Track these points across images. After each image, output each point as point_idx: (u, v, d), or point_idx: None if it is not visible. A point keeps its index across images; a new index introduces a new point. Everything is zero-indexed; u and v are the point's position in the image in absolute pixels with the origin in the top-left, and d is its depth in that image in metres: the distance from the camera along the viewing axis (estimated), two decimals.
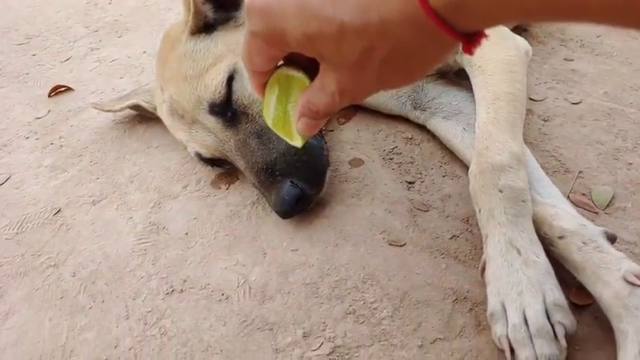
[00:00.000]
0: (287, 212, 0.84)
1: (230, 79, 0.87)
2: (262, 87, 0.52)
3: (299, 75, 0.48)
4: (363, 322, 0.73)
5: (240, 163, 0.89)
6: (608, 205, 0.86)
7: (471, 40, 0.36)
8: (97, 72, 1.36)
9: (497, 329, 0.67)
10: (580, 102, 1.08)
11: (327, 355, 0.70)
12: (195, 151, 0.94)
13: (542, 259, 0.70)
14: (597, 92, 1.11)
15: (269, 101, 0.53)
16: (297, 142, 0.53)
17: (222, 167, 0.99)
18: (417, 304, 0.74)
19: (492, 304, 0.69)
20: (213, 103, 0.87)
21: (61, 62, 1.42)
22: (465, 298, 0.75)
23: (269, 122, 0.54)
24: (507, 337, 0.66)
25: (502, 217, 0.74)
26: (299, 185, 0.83)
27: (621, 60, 1.20)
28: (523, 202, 0.75)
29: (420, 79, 0.42)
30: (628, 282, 0.64)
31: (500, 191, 0.76)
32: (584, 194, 0.87)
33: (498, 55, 0.92)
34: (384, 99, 1.06)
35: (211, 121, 0.88)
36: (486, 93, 0.87)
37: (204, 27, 0.92)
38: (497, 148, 0.79)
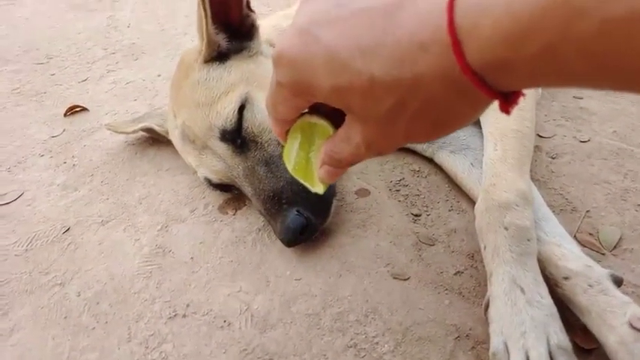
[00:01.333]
0: (292, 241, 0.84)
1: (241, 108, 0.89)
2: (285, 134, 0.52)
3: (323, 123, 0.48)
4: (364, 357, 0.72)
5: (248, 190, 0.90)
6: (615, 247, 0.85)
7: (509, 99, 0.35)
8: (111, 93, 1.39)
9: None
10: (589, 140, 1.09)
11: None
12: (204, 176, 0.95)
13: (547, 300, 0.69)
14: (606, 131, 1.11)
15: (291, 147, 0.52)
16: (319, 189, 0.52)
17: (230, 192, 1.00)
18: (419, 340, 0.74)
19: (495, 343, 0.68)
20: (224, 130, 0.88)
21: (78, 82, 1.45)
22: (467, 335, 0.74)
23: (289, 168, 0.53)
24: None
25: (507, 254, 0.73)
26: (304, 214, 0.83)
27: (631, 100, 1.21)
28: (528, 240, 0.74)
29: (448, 134, 0.40)
30: (634, 327, 0.64)
31: (506, 229, 0.75)
32: (591, 234, 0.87)
33: None
34: None
35: (221, 148, 0.90)
36: (494, 130, 0.88)
37: (217, 56, 0.94)
38: (504, 186, 0.79)
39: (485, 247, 0.78)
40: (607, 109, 1.18)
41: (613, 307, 0.67)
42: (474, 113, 0.38)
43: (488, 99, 0.35)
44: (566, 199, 0.94)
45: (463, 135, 1.00)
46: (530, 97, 0.94)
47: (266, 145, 0.90)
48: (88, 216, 1.01)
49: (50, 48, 1.69)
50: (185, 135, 0.94)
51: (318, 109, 0.49)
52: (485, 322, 0.72)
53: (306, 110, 0.49)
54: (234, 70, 0.93)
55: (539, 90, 1.02)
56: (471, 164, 0.95)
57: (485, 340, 0.72)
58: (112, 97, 1.35)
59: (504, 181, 0.80)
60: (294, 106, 0.45)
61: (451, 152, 0.99)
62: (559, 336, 0.65)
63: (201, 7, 0.87)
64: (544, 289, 0.70)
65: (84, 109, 1.32)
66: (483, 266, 0.82)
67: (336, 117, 0.46)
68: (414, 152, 1.07)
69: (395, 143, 0.42)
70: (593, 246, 0.85)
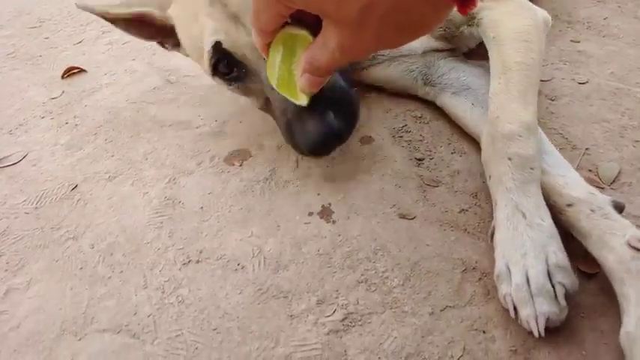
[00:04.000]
0: (322, 147, 0.79)
1: None
2: (267, 47, 0.53)
3: (303, 33, 0.50)
4: (374, 291, 0.75)
5: (265, 78, 0.81)
6: (614, 181, 0.88)
7: (465, 1, 0.38)
8: (109, 54, 1.37)
9: (503, 289, 0.70)
10: (587, 82, 1.10)
11: (341, 321, 0.72)
12: (216, 40, 0.85)
13: (547, 222, 0.72)
14: (604, 73, 1.12)
15: (274, 61, 0.54)
16: (302, 101, 0.54)
17: (230, 76, 0.90)
18: (427, 274, 0.76)
19: (499, 265, 0.72)
20: None
21: (74, 45, 1.44)
22: (474, 268, 0.77)
23: (273, 82, 0.55)
24: (511, 296, 0.69)
25: (509, 183, 0.76)
26: (335, 120, 0.76)
27: (628, 42, 1.22)
28: (531, 169, 0.77)
29: (414, 39, 0.43)
30: (632, 247, 0.66)
31: (510, 159, 0.78)
32: (590, 170, 0.89)
33: (513, 24, 0.92)
34: (398, 74, 1.08)
35: None
36: (499, 63, 0.88)
37: None
38: (508, 118, 0.81)
39: (490, 177, 0.81)
40: (604, 52, 1.19)
41: (613, 229, 0.69)
42: (437, 16, 0.42)
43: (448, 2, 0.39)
44: (566, 138, 0.96)
45: (464, 76, 1.01)
46: (537, 29, 0.93)
47: None
48: (95, 173, 1.02)
49: (41, 12, 1.67)
50: None
51: (299, 21, 0.50)
52: (491, 256, 0.75)
53: (288, 23, 0.51)
54: None
55: (549, 23, 1.00)
56: (472, 104, 0.96)
57: (491, 272, 0.74)
58: (110, 58, 1.35)
59: (507, 112, 0.81)
60: (275, 13, 0.47)
61: (452, 94, 1.00)
62: (557, 255, 0.68)
63: None
64: (545, 213, 0.73)
65: (82, 71, 1.32)
66: (486, 204, 0.85)
67: (316, 29, 0.47)
68: (415, 99, 1.08)
69: (367, 46, 0.45)
70: (593, 181, 0.87)
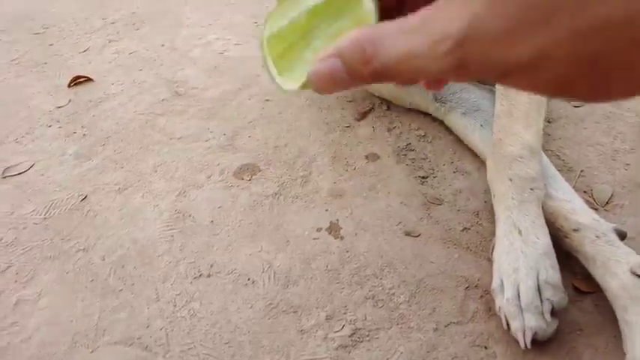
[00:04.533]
0: None
1: None
2: None
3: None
4: (382, 307, 0.78)
5: None
6: (607, 202, 0.92)
7: None
8: (116, 63, 1.39)
9: (497, 302, 0.74)
10: (581, 105, 1.14)
11: (349, 336, 0.75)
12: None
13: (543, 240, 0.76)
14: None
15: (291, 3, 0.32)
16: (292, 85, 0.31)
17: None
18: (432, 291, 0.80)
19: (495, 279, 0.76)
20: None
21: (79, 53, 1.45)
22: (476, 285, 0.80)
23: (267, 31, 0.32)
24: (503, 308, 0.73)
25: (509, 202, 0.81)
26: None
27: None
28: (531, 189, 0.81)
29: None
30: (635, 274, 0.70)
31: (510, 179, 0.82)
32: (585, 192, 0.93)
33: None
34: (410, 87, 1.10)
35: None
36: (502, 85, 0.92)
37: None
38: (510, 140, 0.85)
39: (494, 196, 0.86)
40: None
41: (617, 256, 0.73)
42: None
43: None
44: (562, 160, 1.00)
45: (474, 97, 1.04)
46: None
47: None
48: (105, 184, 1.04)
49: (45, 18, 1.67)
50: None
51: None
52: (491, 273, 0.79)
53: None
54: None
55: None
56: (481, 125, 1.00)
57: None
58: (117, 67, 1.36)
59: (510, 135, 0.85)
60: None
61: (462, 114, 1.04)
62: (548, 272, 0.72)
63: None
64: (542, 232, 0.77)
65: (89, 80, 1.33)
66: (488, 223, 0.88)
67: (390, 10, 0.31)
68: (419, 118, 1.11)
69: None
70: (587, 202, 0.91)
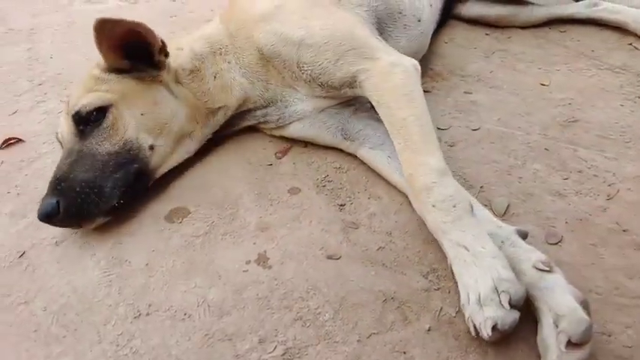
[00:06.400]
0: (40, 218, 1.00)
1: (102, 109, 1.06)
2: None
3: None
4: (309, 326, 0.86)
5: (61, 156, 1.09)
6: (505, 213, 1.05)
7: None
8: (45, 123, 1.43)
9: (466, 314, 0.82)
10: (479, 128, 1.29)
11: (281, 355, 0.82)
12: (57, 132, 1.15)
13: (488, 247, 0.84)
14: (492, 119, 1.32)
15: None
16: None
17: None
18: (353, 306, 0.89)
19: (462, 295, 0.84)
20: (77, 112, 1.06)
21: (9, 115, 1.48)
22: (392, 298, 0.90)
23: None
24: (470, 317, 0.80)
25: (443, 226, 0.89)
26: (60, 207, 1.00)
27: (510, 91, 1.44)
28: (454, 207, 0.88)
29: None
30: (538, 269, 0.82)
31: (434, 206, 0.90)
32: (485, 205, 1.05)
33: (390, 83, 1.01)
34: (315, 131, 1.21)
35: (69, 124, 1.08)
36: (390, 125, 0.99)
37: (118, 69, 1.10)
38: (419, 172, 0.92)
39: (428, 225, 0.94)
40: (492, 101, 1.40)
41: (521, 256, 0.85)
42: None
43: None
44: (464, 178, 1.13)
45: (378, 132, 1.15)
46: (410, 78, 1.02)
47: (97, 146, 1.06)
48: (42, 239, 1.08)
49: None
50: (66, 103, 1.12)
51: None
52: (407, 286, 0.91)
53: None
54: (123, 82, 1.10)
55: (418, 66, 1.09)
56: (389, 157, 1.11)
57: (408, 300, 0.89)
58: (47, 127, 1.40)
59: (417, 166, 0.93)
60: None
61: (370, 148, 1.15)
62: (501, 271, 0.80)
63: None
64: (484, 240, 0.85)
65: (19, 141, 1.36)
66: (400, 240, 0.99)
67: None
68: (335, 151, 1.22)
69: None
70: None
